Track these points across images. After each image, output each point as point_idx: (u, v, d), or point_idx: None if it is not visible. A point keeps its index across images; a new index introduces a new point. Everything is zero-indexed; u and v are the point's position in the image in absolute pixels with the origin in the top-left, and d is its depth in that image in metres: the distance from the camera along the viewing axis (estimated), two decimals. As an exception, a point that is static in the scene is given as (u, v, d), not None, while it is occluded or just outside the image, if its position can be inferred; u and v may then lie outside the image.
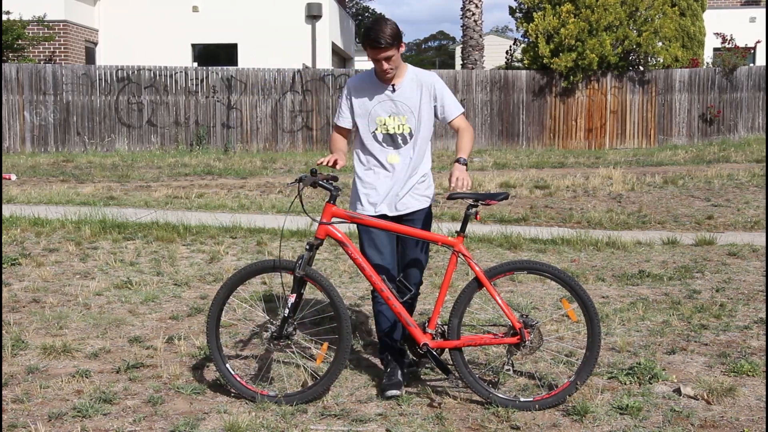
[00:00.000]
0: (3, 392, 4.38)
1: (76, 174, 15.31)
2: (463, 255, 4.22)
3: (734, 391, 4.35)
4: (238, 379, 4.37)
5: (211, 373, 4.72)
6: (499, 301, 4.21)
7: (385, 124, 4.54)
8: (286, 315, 4.27)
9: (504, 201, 4.27)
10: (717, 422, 4.03)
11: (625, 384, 4.53)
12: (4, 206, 10.48)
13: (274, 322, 4.37)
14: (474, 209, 4.19)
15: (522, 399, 4.25)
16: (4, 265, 7.38)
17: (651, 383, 4.53)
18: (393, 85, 4.53)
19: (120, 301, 6.38)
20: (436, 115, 4.61)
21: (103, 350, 5.16)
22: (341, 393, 4.44)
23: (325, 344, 4.38)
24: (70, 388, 4.49)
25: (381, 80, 4.54)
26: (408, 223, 4.55)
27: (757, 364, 4.76)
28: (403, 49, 4.44)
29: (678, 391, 4.40)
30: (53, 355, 5.01)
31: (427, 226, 4.64)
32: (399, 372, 4.48)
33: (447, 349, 4.32)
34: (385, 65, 4.39)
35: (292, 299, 4.27)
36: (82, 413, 4.10)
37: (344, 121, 4.66)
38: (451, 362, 4.34)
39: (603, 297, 6.51)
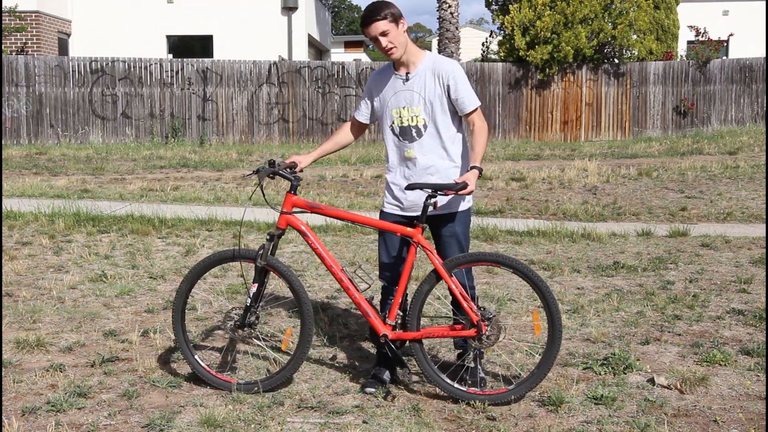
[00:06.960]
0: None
1: (49, 167, 15.15)
2: (423, 246, 4.15)
3: (707, 381, 4.40)
4: (207, 368, 4.40)
5: (186, 366, 4.69)
6: (457, 294, 4.14)
7: (400, 116, 4.33)
8: (248, 305, 4.29)
9: (462, 190, 4.14)
10: (690, 411, 4.08)
11: (600, 374, 4.57)
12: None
13: (238, 311, 4.37)
14: (433, 200, 4.08)
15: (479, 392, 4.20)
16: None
17: (625, 373, 4.57)
18: (407, 74, 4.31)
19: (95, 294, 6.33)
20: (453, 107, 4.32)
21: (77, 344, 5.12)
22: (318, 385, 4.44)
23: (289, 328, 4.41)
24: (44, 383, 4.45)
25: (395, 69, 4.36)
26: (436, 221, 4.34)
27: (729, 354, 4.82)
28: (404, 27, 4.22)
29: (652, 380, 4.44)
30: (27, 349, 4.96)
31: (462, 227, 4.40)
32: (386, 372, 4.46)
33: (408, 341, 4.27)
34: (384, 41, 4.18)
35: (253, 289, 4.28)
36: (57, 407, 4.07)
37: (359, 114, 4.54)
38: (411, 353, 4.33)
39: (578, 288, 6.55)
